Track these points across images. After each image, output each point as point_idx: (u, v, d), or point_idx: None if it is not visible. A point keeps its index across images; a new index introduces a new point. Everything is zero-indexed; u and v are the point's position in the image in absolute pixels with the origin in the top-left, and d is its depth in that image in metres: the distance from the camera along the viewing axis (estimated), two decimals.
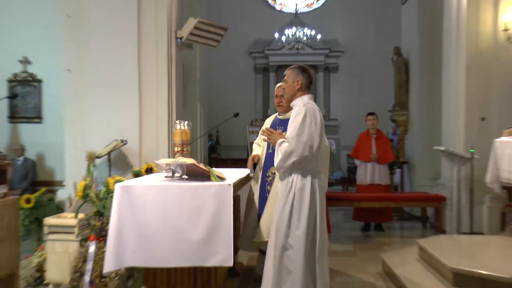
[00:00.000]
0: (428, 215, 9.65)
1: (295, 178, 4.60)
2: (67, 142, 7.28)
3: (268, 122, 5.78)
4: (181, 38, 7.23)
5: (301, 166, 4.58)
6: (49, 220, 5.32)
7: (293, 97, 4.77)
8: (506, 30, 8.07)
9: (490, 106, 8.25)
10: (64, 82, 7.34)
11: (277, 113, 5.77)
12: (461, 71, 8.50)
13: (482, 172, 7.26)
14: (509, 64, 8.19)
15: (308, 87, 4.78)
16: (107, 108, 6.90)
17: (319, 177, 4.66)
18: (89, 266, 4.73)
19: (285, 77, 4.80)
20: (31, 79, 10.19)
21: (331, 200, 8.66)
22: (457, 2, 8.61)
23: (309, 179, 4.60)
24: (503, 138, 6.64)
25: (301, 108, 4.59)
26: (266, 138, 4.79)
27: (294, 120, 4.57)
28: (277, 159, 4.58)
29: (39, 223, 6.24)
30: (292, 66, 4.85)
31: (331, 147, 9.82)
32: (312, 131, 4.50)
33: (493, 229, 8.03)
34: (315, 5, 18.41)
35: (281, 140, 4.58)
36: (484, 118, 7.88)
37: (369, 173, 9.34)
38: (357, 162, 9.48)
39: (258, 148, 5.77)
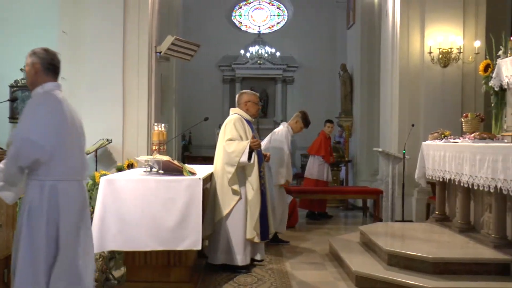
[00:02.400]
0: (368, 205, 9.73)
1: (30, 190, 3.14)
2: None
3: (243, 124, 5.60)
4: (160, 52, 7.16)
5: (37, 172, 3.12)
6: None
7: (33, 85, 3.26)
8: (430, 52, 8.19)
9: (418, 114, 8.36)
10: None
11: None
12: (394, 85, 8.60)
13: (412, 170, 7.36)
14: (433, 80, 8.31)
15: (48, 69, 3.27)
16: (95, 111, 6.77)
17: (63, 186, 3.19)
18: None
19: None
20: None
21: (291, 192, 8.74)
22: (392, 29, 8.73)
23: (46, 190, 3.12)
24: (428, 142, 6.74)
25: (40, 97, 3.20)
26: None
27: (24, 112, 3.12)
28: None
29: None
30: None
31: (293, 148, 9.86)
32: (47, 124, 3.10)
33: (420, 217, 8.14)
34: (275, 27, 18.47)
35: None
36: (413, 125, 7.98)
37: (325, 171, 9.38)
38: (319, 159, 9.39)
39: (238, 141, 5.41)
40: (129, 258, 4.63)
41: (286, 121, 7.41)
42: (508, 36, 6.31)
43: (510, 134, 5.70)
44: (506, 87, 6.03)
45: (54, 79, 3.31)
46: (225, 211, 5.37)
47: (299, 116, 7.19)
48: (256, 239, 5.50)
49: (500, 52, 6.21)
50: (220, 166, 5.48)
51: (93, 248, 3.50)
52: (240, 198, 5.42)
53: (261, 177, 5.60)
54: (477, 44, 8.08)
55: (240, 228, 5.43)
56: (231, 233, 5.41)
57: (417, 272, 4.78)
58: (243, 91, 6.02)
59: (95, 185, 5.08)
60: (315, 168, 9.38)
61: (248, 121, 5.72)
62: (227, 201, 5.39)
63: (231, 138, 5.44)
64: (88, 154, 6.38)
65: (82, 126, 3.39)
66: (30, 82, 3.30)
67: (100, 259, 4.65)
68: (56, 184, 3.14)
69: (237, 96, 5.96)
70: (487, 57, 6.69)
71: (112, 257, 5.29)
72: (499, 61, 6.13)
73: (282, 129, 7.12)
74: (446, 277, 4.66)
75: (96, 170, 6.24)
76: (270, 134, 7.26)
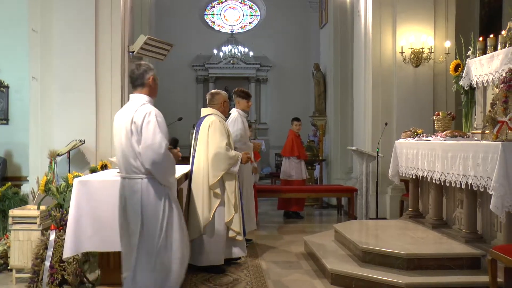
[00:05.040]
0: (342, 203, 9.81)
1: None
2: (32, 142, 7.00)
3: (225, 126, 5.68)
4: (133, 52, 7.10)
5: None
6: (14, 212, 5.08)
7: None
8: (402, 52, 8.31)
9: (391, 113, 8.47)
10: (29, 88, 7.07)
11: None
12: (367, 84, 8.69)
13: (385, 168, 7.46)
14: (405, 79, 8.42)
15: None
16: (67, 111, 6.69)
17: None
18: (49, 252, 4.55)
19: None
20: None
21: (266, 192, 8.80)
22: (364, 29, 8.82)
23: None
24: (401, 140, 6.85)
25: None
26: None
27: None
28: None
29: (4, 215, 5.94)
30: None
31: (261, 147, 9.84)
32: None
33: (394, 214, 8.24)
34: (248, 27, 18.51)
35: None
36: (386, 123, 8.08)
37: (303, 169, 9.43)
38: (296, 160, 9.41)
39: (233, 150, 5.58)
40: (104, 261, 4.59)
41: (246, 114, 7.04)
42: (476, 37, 6.47)
43: (479, 131, 5.84)
44: (475, 86, 6.18)
45: (134, 91, 3.83)
46: (211, 214, 5.40)
47: (236, 96, 6.91)
48: (239, 237, 5.55)
49: (469, 53, 6.36)
50: (204, 168, 5.45)
51: (152, 244, 3.62)
52: (222, 200, 5.45)
53: (238, 176, 5.70)
54: (448, 44, 8.24)
55: (221, 229, 5.46)
56: (214, 234, 5.44)
57: (392, 268, 4.86)
58: (217, 91, 5.93)
59: (68, 187, 5.02)
60: (293, 169, 9.41)
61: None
62: (211, 204, 5.42)
63: (227, 143, 5.48)
64: (60, 155, 6.30)
65: (130, 124, 3.62)
66: None
67: (74, 262, 4.59)
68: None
69: (209, 95, 5.85)
70: (457, 57, 6.84)
71: (86, 260, 5.23)
72: (468, 61, 6.27)
73: (231, 117, 6.90)
74: (420, 272, 4.75)
75: (69, 171, 6.16)
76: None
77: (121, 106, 6.84)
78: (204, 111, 5.77)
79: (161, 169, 3.61)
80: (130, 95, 3.84)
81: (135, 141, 3.59)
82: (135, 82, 3.81)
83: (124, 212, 3.72)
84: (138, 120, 3.58)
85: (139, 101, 3.74)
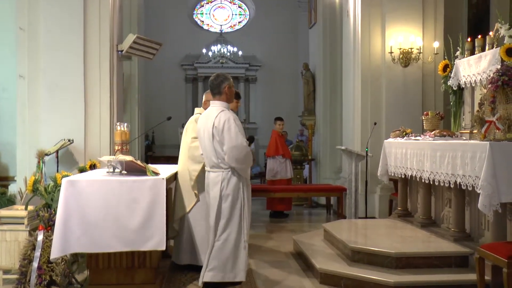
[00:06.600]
0: (332, 203, 9.83)
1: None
2: (19, 141, 6.91)
3: None
4: (121, 51, 7.06)
5: None
6: (1, 212, 5.03)
7: None
8: (391, 52, 8.35)
9: (380, 113, 8.51)
10: (16, 87, 6.99)
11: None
12: (357, 84, 8.73)
13: (374, 167, 7.49)
14: (394, 79, 8.47)
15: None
16: (55, 111, 6.63)
17: None
18: (37, 253, 4.50)
19: None
20: None
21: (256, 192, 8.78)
22: (353, 29, 8.86)
23: None
24: (390, 139, 6.89)
25: None
26: None
27: None
28: None
29: None
30: None
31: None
32: None
33: (383, 214, 8.28)
34: (237, 27, 18.52)
35: None
36: (375, 123, 8.13)
37: (288, 168, 9.44)
38: (281, 159, 9.44)
39: None
40: (92, 261, 4.55)
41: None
42: (465, 38, 6.52)
43: (468, 131, 5.89)
44: (463, 86, 6.23)
45: (213, 98, 4.67)
46: (181, 212, 5.40)
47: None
48: None
49: (458, 53, 6.41)
50: (183, 167, 5.47)
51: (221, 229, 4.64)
52: (198, 200, 5.41)
53: None
54: (436, 44, 8.29)
55: (203, 228, 5.40)
56: (195, 234, 5.42)
57: (381, 267, 4.89)
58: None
59: (56, 186, 4.98)
60: (278, 168, 9.42)
61: None
62: (186, 202, 5.42)
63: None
64: (49, 155, 6.25)
65: (212, 128, 4.49)
66: None
67: (63, 263, 4.56)
68: None
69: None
70: (446, 57, 6.89)
71: (74, 261, 5.20)
72: (456, 61, 6.33)
73: None
74: (409, 271, 4.78)
75: (57, 171, 6.10)
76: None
77: (110, 105, 6.88)
78: (198, 110, 5.77)
79: (243, 164, 4.47)
80: (211, 102, 4.69)
81: (217, 142, 4.44)
82: (213, 91, 4.61)
83: (208, 199, 4.63)
84: (219, 125, 4.42)
85: (218, 108, 4.55)
